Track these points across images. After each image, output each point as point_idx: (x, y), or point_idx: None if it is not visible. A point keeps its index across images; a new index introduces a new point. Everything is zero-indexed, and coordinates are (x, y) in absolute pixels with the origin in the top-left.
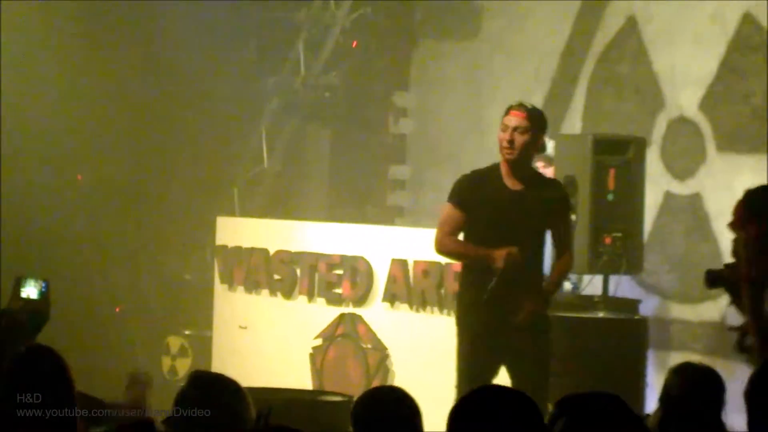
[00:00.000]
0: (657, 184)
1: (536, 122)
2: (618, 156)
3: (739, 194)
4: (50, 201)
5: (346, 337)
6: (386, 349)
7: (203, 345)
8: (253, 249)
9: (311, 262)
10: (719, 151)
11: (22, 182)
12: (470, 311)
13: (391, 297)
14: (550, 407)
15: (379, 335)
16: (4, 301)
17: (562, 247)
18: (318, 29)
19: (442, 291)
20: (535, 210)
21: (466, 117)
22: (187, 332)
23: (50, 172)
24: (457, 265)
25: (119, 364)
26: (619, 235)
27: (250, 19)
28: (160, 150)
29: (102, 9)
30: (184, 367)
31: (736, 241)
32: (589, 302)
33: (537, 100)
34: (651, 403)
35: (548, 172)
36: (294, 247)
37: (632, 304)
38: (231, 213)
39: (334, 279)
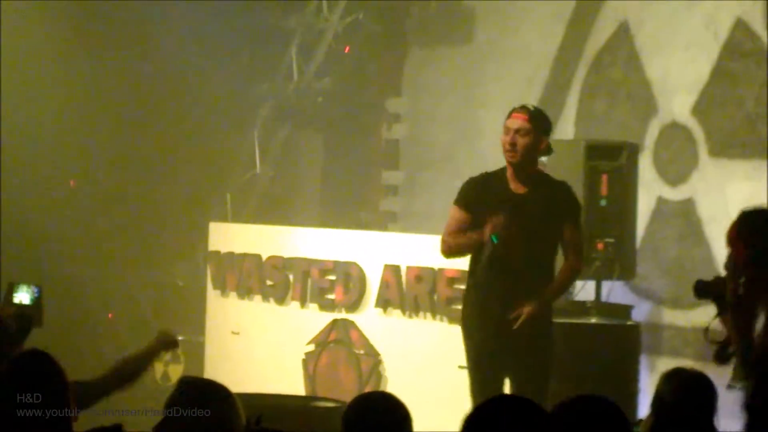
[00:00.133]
0: (649, 190)
1: (538, 124)
2: (610, 161)
3: (731, 199)
4: (43, 207)
5: (338, 342)
6: (379, 354)
7: (196, 351)
8: (245, 255)
9: (304, 267)
10: (712, 156)
11: (15, 188)
12: (474, 319)
13: (383, 303)
14: None
15: (372, 341)
16: None
17: (567, 251)
18: (311, 35)
19: (435, 297)
20: (541, 213)
21: (459, 122)
22: (179, 338)
23: (43, 177)
24: (450, 270)
25: None
26: (612, 240)
27: (243, 25)
28: (152, 155)
29: (94, 16)
30: (176, 373)
31: (729, 257)
32: (581, 308)
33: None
34: (643, 409)
35: None
36: (287, 253)
37: (625, 310)
38: (223, 218)
39: (326, 285)
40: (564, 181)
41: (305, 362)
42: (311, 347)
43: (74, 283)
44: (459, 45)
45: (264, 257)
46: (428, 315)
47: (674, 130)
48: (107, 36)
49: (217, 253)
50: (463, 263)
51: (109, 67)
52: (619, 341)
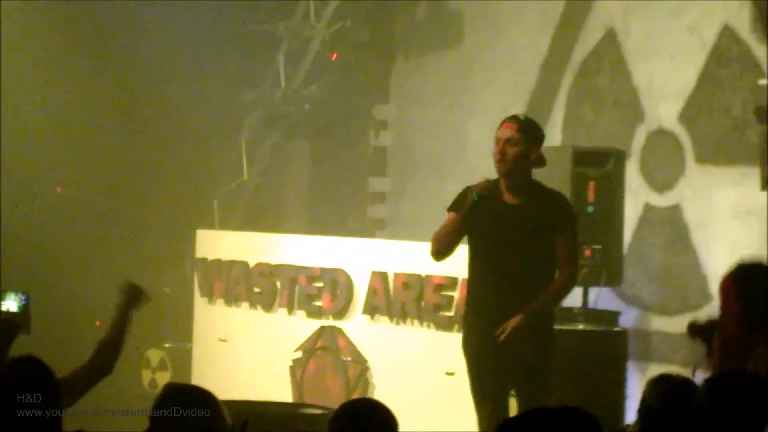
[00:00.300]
0: (636, 196)
1: (528, 133)
2: (597, 168)
3: (718, 206)
4: (30, 214)
5: (326, 349)
6: (366, 361)
7: (183, 358)
8: (232, 262)
9: (291, 274)
10: (698, 162)
11: (1, 195)
12: (473, 332)
13: (371, 309)
14: None
15: (359, 348)
16: None
17: (561, 262)
18: (298, 42)
19: (423, 303)
20: (534, 223)
21: (447, 130)
22: (166, 345)
23: (30, 184)
24: (437, 277)
25: None
26: (599, 247)
27: (231, 32)
28: (139, 162)
29: (80, 23)
30: (164, 380)
31: (721, 307)
32: (569, 314)
33: (516, 113)
34: (630, 415)
35: None
36: (274, 260)
37: (612, 316)
38: (211, 226)
39: (314, 291)
40: (559, 191)
41: (293, 369)
42: (298, 354)
43: (61, 291)
44: (446, 52)
45: (251, 264)
46: (415, 322)
47: (661, 136)
48: (93, 42)
49: (205, 260)
50: (451, 270)
51: (95, 73)
52: (607, 347)
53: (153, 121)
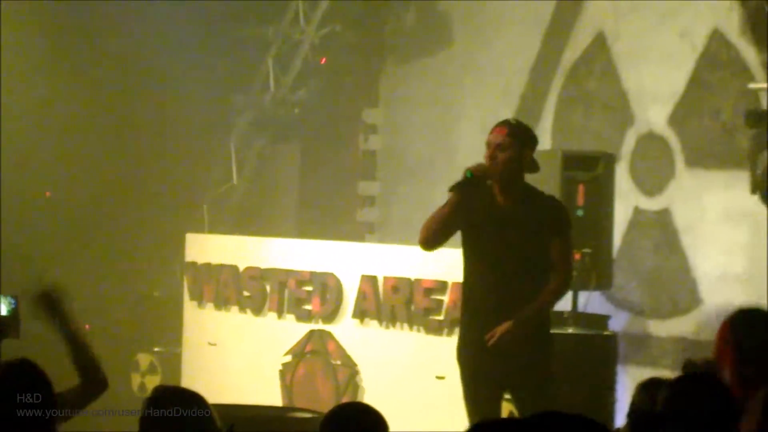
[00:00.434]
0: (626, 200)
1: (518, 137)
2: (587, 172)
3: (708, 210)
4: (19, 218)
5: (315, 353)
6: (356, 365)
7: (173, 362)
8: (222, 265)
9: (281, 278)
10: (688, 166)
11: None
12: (466, 337)
13: (360, 313)
14: None
15: (349, 351)
16: None
17: (555, 265)
18: (287, 46)
19: (412, 307)
20: (526, 227)
21: (436, 133)
22: (156, 349)
23: (19, 188)
24: (427, 281)
25: None
26: (589, 250)
27: (220, 36)
28: (128, 166)
29: (69, 28)
30: (153, 384)
31: (716, 349)
32: (558, 318)
33: (506, 117)
34: (620, 418)
35: None
36: (263, 264)
37: (602, 320)
38: (200, 229)
39: (303, 295)
40: (553, 196)
41: (282, 373)
42: (288, 358)
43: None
44: (435, 56)
45: (241, 268)
46: (405, 325)
47: (651, 140)
48: (82, 46)
49: (194, 264)
50: (441, 274)
51: (85, 77)
52: (596, 351)
53: (142, 125)
